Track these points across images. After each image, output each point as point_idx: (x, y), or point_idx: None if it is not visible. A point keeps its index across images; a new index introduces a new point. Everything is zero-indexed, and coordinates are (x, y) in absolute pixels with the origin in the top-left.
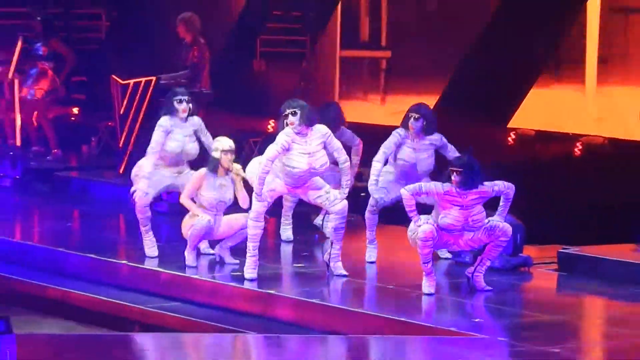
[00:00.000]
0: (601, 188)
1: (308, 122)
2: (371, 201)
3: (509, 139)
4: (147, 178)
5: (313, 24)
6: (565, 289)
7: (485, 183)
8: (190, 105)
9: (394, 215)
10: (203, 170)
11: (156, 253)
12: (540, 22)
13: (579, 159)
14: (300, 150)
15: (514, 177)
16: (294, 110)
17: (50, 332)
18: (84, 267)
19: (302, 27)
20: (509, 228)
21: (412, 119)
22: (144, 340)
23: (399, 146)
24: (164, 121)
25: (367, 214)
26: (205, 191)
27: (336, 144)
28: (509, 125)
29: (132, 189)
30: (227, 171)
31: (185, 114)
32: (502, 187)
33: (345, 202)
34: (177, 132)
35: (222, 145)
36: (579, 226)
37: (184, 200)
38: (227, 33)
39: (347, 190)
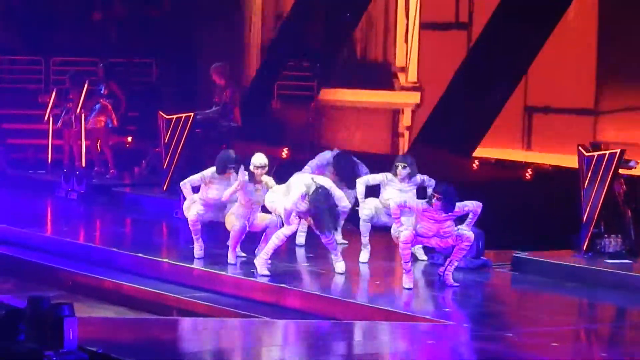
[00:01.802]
0: (546, 205)
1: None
2: (362, 216)
3: (474, 165)
4: (199, 203)
5: (320, 73)
6: (517, 286)
7: (458, 204)
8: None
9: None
10: (244, 179)
11: (202, 255)
12: (496, 81)
13: (529, 181)
14: None
15: (477, 195)
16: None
17: (105, 316)
18: (133, 263)
19: (312, 75)
20: (471, 236)
21: (399, 167)
22: (181, 323)
23: (384, 186)
24: (208, 172)
25: (361, 223)
26: (244, 194)
27: (338, 193)
28: (474, 155)
29: (186, 204)
30: (259, 180)
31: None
32: (471, 206)
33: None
34: (216, 183)
35: (255, 162)
36: (528, 235)
37: (227, 195)
38: (252, 79)
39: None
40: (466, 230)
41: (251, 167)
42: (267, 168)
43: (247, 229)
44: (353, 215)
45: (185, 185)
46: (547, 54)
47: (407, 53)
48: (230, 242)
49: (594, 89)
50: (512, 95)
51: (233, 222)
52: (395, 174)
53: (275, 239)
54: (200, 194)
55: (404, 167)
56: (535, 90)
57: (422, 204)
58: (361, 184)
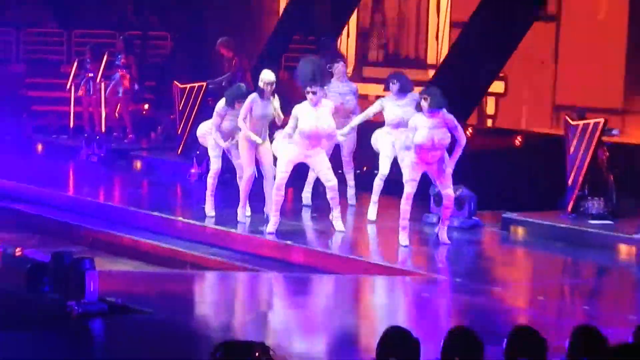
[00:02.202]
0: (535, 169)
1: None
2: (381, 171)
3: (468, 132)
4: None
5: (324, 46)
6: (506, 244)
7: (447, 114)
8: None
9: (390, 187)
10: (253, 94)
11: (213, 213)
12: (489, 54)
13: (519, 148)
14: (310, 114)
15: (472, 161)
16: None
17: (123, 269)
18: (149, 221)
19: (316, 48)
20: (451, 196)
21: (390, 83)
22: (193, 276)
23: (384, 109)
24: (219, 107)
25: (376, 180)
26: (254, 110)
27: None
28: (468, 122)
29: (200, 130)
30: (268, 96)
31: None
32: (460, 131)
33: (336, 180)
34: (229, 114)
35: (265, 78)
36: (517, 197)
37: (240, 122)
38: (261, 52)
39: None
40: (450, 189)
41: (260, 84)
42: (274, 84)
43: (256, 174)
44: (366, 180)
45: (215, 134)
46: (576, 53)
47: (437, 51)
48: (240, 195)
49: (623, 89)
50: (542, 94)
51: (242, 146)
52: (388, 89)
53: (274, 195)
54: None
55: (393, 83)
56: (564, 89)
57: (414, 117)
58: (358, 119)
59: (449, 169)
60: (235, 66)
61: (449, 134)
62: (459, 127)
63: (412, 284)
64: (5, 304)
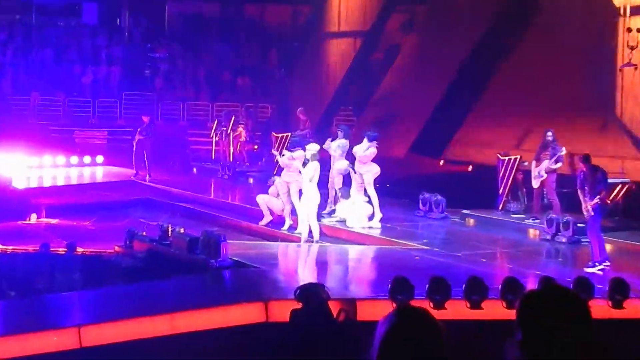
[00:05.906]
0: (479, 185)
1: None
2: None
3: (440, 163)
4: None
5: (357, 115)
6: (464, 228)
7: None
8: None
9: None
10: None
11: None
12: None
13: (470, 172)
14: None
15: (443, 181)
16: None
17: (240, 241)
18: (256, 212)
19: (352, 114)
20: None
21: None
22: (281, 246)
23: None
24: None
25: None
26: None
27: None
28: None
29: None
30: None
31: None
32: None
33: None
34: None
35: (310, 149)
36: (471, 201)
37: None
38: (321, 116)
39: None
40: None
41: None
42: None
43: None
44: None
45: None
46: None
47: None
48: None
49: None
50: None
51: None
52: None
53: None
54: None
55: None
56: None
57: None
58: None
59: None
60: (307, 127)
61: None
62: None
63: (408, 252)
64: (175, 262)
